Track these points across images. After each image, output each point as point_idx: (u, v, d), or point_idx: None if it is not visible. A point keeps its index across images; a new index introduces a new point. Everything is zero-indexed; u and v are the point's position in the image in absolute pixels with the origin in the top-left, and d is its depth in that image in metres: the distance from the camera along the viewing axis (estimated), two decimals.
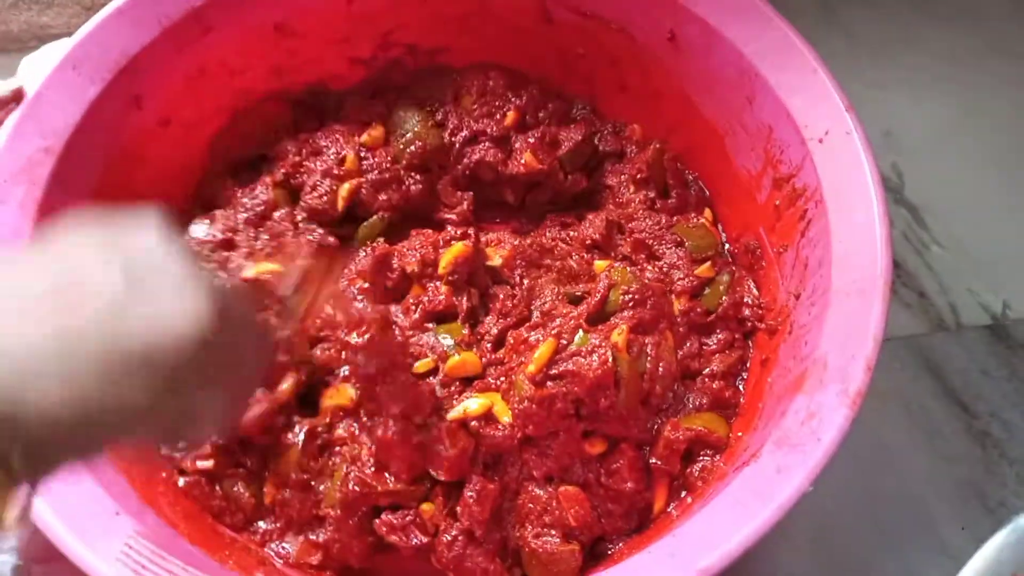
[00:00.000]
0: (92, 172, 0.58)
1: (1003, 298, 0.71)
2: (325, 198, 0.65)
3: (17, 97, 0.60)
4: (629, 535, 0.55)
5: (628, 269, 0.59)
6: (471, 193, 0.68)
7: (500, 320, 0.59)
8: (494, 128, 0.68)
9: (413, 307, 0.60)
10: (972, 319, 0.70)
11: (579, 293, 0.59)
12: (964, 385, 0.67)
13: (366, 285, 0.61)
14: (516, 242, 0.64)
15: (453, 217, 0.67)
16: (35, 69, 0.60)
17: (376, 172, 0.66)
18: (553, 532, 0.53)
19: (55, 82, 0.57)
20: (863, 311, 0.49)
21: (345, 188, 0.65)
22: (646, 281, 0.58)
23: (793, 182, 0.57)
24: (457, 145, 0.68)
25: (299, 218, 0.65)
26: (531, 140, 0.67)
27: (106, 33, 0.59)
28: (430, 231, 0.63)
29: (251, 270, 0.60)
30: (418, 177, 0.67)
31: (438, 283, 0.60)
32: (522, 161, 0.66)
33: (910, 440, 0.64)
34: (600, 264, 0.62)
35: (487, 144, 0.67)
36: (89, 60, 0.58)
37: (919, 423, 0.65)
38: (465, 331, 0.58)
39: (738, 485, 0.46)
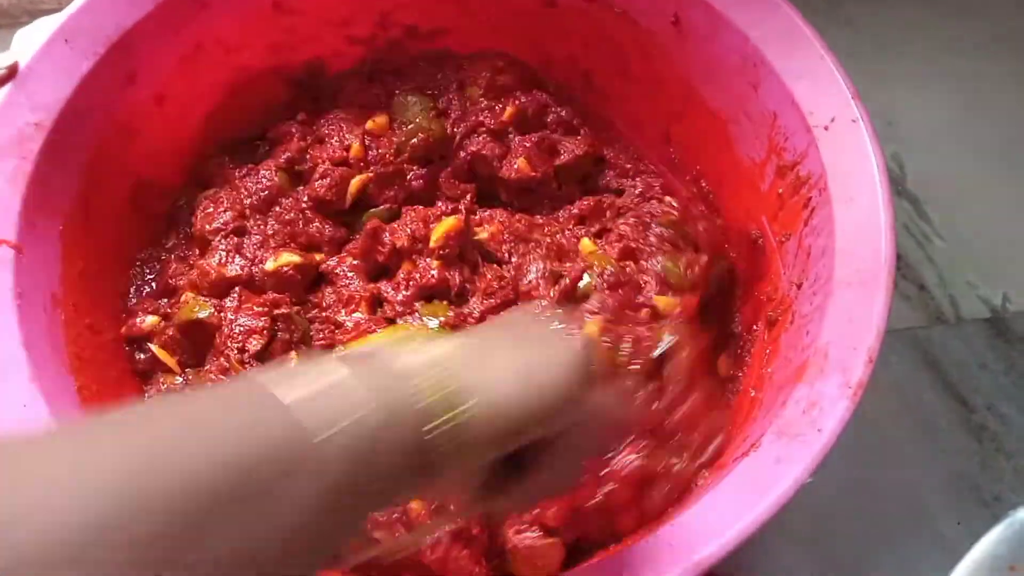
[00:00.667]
0: (84, 147, 0.57)
1: (1003, 291, 0.70)
2: (333, 189, 0.64)
3: (13, 72, 0.58)
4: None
5: (606, 255, 0.58)
6: (473, 185, 0.67)
7: (484, 300, 0.58)
8: (492, 121, 0.66)
9: (404, 283, 0.59)
10: (971, 312, 0.70)
11: (565, 274, 0.58)
12: (962, 378, 0.66)
13: (356, 262, 0.61)
14: (504, 218, 0.63)
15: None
16: (30, 43, 0.59)
17: (380, 166, 0.65)
18: (534, 528, 0.52)
19: (47, 56, 0.56)
20: (866, 301, 0.48)
21: (354, 184, 0.64)
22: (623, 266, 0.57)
23: (797, 170, 0.57)
24: (458, 136, 0.67)
25: (304, 205, 0.64)
26: (527, 144, 0.66)
27: (100, 6, 0.58)
28: (421, 207, 0.63)
29: (271, 263, 0.59)
30: (420, 171, 0.66)
31: (429, 259, 0.59)
32: (515, 166, 0.65)
33: (907, 433, 0.64)
34: (587, 243, 0.61)
35: (485, 136, 0.66)
36: (82, 34, 0.57)
37: (916, 416, 0.65)
38: (450, 312, 0.57)
39: (737, 475, 0.45)
